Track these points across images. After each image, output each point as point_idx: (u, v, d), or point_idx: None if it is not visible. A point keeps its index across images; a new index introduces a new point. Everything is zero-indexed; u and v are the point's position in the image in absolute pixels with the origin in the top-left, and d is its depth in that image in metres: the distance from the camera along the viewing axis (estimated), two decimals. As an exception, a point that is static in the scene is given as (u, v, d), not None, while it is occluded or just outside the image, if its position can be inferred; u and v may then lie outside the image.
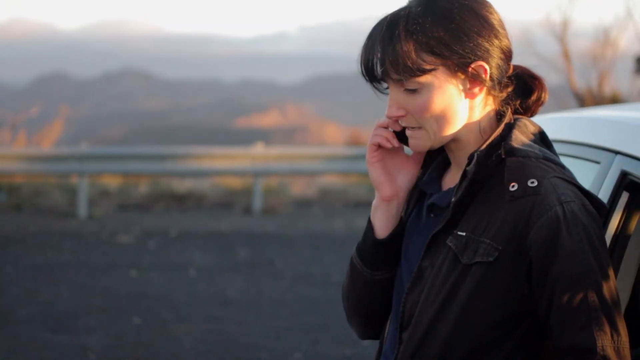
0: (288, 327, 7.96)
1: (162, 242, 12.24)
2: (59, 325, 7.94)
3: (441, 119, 2.04)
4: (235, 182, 17.05)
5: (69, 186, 16.05)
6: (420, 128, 2.07)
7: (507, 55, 2.09)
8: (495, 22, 2.07)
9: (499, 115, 2.11)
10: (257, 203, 15.19)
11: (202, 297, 9.07)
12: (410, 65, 2.01)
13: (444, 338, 2.00)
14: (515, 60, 2.15)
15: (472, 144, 2.09)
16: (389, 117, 2.09)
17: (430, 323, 2.01)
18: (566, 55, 15.99)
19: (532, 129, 2.11)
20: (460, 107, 2.06)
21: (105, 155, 15.53)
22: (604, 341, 1.93)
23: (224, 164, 15.48)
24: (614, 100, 15.40)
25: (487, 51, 2.04)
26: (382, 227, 2.18)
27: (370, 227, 2.19)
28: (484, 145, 2.04)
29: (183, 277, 10.00)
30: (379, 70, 2.05)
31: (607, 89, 16.12)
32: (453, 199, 2.04)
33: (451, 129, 2.06)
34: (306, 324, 8.01)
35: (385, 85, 2.10)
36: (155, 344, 7.44)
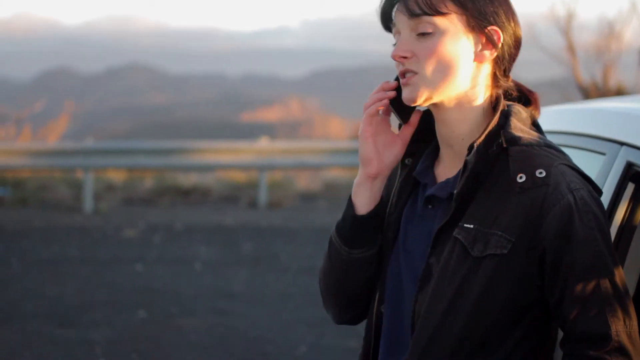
0: (293, 320, 7.97)
1: (168, 236, 12.26)
2: (65, 319, 7.96)
3: (445, 69, 2.04)
4: (240, 176, 17.05)
5: (75, 181, 16.07)
6: (417, 74, 2.06)
7: (516, 41, 2.11)
8: (513, 7, 2.11)
9: (493, 103, 2.10)
10: (262, 197, 15.20)
11: (208, 290, 9.08)
12: (430, 2, 2.03)
13: (456, 332, 1.99)
14: (521, 52, 2.15)
15: (471, 128, 2.08)
16: (394, 57, 2.08)
17: (442, 318, 2.00)
18: (571, 48, 15.95)
19: (525, 114, 2.10)
20: (467, 65, 2.06)
21: (111, 149, 15.55)
22: (618, 327, 1.94)
23: (229, 158, 15.49)
24: (619, 93, 15.36)
25: (504, 25, 2.07)
26: (364, 204, 2.16)
27: (350, 204, 2.18)
28: (483, 136, 2.03)
29: (188, 271, 10.01)
30: (397, 5, 2.07)
31: (612, 82, 16.08)
32: (455, 191, 2.03)
33: (452, 83, 2.05)
34: (311, 317, 8.02)
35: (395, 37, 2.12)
36: (160, 338, 7.45)
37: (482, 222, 2.00)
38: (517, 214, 1.99)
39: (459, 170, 2.07)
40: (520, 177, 2.00)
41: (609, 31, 16.37)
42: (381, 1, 2.12)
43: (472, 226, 2.01)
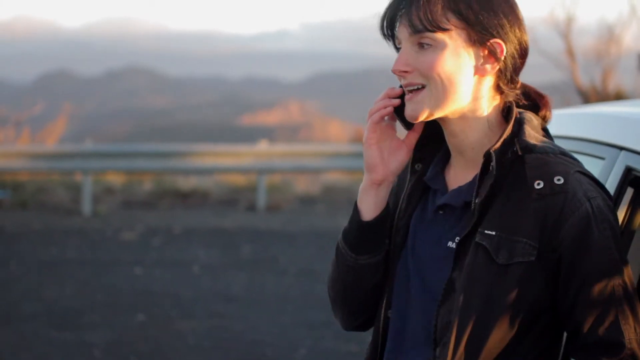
0: (292, 323, 7.96)
1: (167, 239, 12.25)
2: (63, 322, 7.95)
3: (447, 82, 2.03)
4: (239, 180, 17.05)
5: (73, 183, 16.06)
6: (423, 88, 2.05)
7: (523, 50, 2.09)
8: (520, 15, 2.09)
9: (504, 112, 2.10)
10: (261, 200, 15.19)
11: (207, 293, 9.07)
12: (432, 18, 2.02)
13: (484, 341, 1.99)
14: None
15: (480, 138, 2.08)
16: (394, 72, 2.08)
17: (473, 327, 1.99)
18: (570, 52, 15.96)
19: (536, 122, 2.11)
20: (467, 80, 2.05)
21: (110, 152, 15.54)
22: (630, 334, 1.96)
23: (228, 161, 15.49)
24: (618, 97, 15.37)
25: (507, 35, 2.05)
26: (370, 210, 2.16)
27: (356, 210, 2.17)
28: (499, 143, 2.03)
29: (187, 274, 10.01)
30: (400, 18, 2.06)
31: (611, 86, 16.09)
32: (477, 200, 2.02)
33: (453, 99, 2.04)
34: (310, 320, 8.02)
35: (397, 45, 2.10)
36: (159, 341, 7.44)
37: (503, 229, 2.00)
38: (535, 221, 1.99)
39: (474, 178, 2.07)
40: (538, 184, 2.00)
41: (609, 35, 16.38)
42: (385, 12, 2.10)
43: (494, 233, 2.00)
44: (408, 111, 2.08)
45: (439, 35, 2.02)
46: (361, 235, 2.17)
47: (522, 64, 2.11)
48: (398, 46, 2.11)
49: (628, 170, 2.33)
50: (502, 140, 2.03)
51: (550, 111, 2.16)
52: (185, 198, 16.01)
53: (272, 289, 9.31)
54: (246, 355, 7.14)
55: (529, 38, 2.11)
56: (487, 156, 2.02)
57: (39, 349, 7.20)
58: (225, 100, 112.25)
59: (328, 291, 2.29)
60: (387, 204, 2.18)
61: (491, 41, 2.04)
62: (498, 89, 2.09)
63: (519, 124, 2.07)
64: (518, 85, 2.12)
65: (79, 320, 8.03)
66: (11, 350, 7.16)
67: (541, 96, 2.16)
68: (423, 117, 2.06)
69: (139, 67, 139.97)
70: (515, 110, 2.09)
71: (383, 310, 2.18)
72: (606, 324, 1.96)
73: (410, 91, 2.08)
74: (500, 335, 1.99)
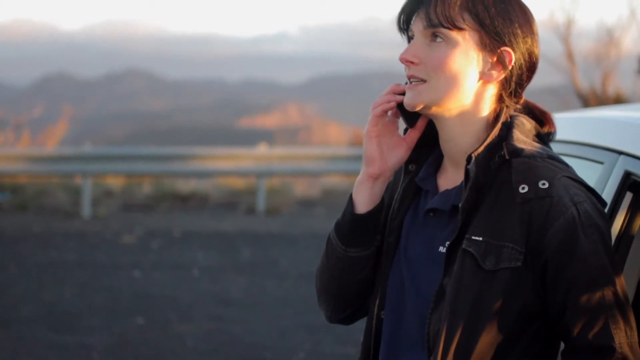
0: (292, 327, 7.96)
1: (166, 242, 12.25)
2: (63, 325, 7.95)
3: (450, 81, 2.03)
4: (238, 183, 17.06)
5: (73, 186, 16.07)
6: (425, 82, 2.05)
7: (531, 64, 2.09)
8: (535, 29, 2.09)
9: (495, 115, 2.09)
10: (261, 203, 15.20)
11: (206, 297, 9.07)
12: (449, 15, 2.02)
13: (473, 348, 1.98)
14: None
15: (473, 143, 2.07)
16: (401, 60, 2.08)
17: (461, 335, 1.98)
18: (570, 55, 15.98)
19: (529, 126, 2.09)
20: (471, 83, 2.05)
21: (109, 155, 15.55)
22: (620, 338, 1.95)
23: (228, 164, 15.50)
24: (618, 100, 15.38)
25: (518, 45, 2.05)
26: (364, 203, 2.17)
27: (350, 202, 2.18)
28: (482, 147, 2.02)
29: (186, 277, 10.01)
30: (418, 11, 2.06)
31: (611, 89, 16.11)
32: (460, 204, 2.02)
33: (453, 98, 2.04)
34: (310, 324, 8.02)
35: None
36: (158, 344, 7.44)
37: (490, 234, 1.99)
38: (520, 225, 1.98)
39: (462, 182, 2.06)
40: (523, 188, 1.99)
41: (608, 38, 16.41)
42: (404, 5, 2.10)
43: (481, 239, 1.99)
44: (407, 99, 2.08)
45: (453, 33, 2.03)
46: (353, 227, 2.18)
47: (529, 78, 2.10)
48: (410, 40, 2.11)
49: (627, 175, 2.33)
50: (485, 144, 2.03)
51: (554, 127, 2.15)
52: (185, 201, 16.01)
53: (272, 293, 9.31)
54: (245, 358, 7.14)
55: (540, 53, 2.10)
56: (468, 160, 2.02)
57: (38, 352, 7.20)
58: (224, 103, 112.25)
59: (315, 281, 2.29)
60: (382, 199, 2.19)
61: (502, 49, 2.04)
62: (500, 99, 2.08)
63: (508, 128, 2.06)
64: (521, 101, 2.12)
65: (78, 323, 8.03)
66: (10, 353, 7.16)
67: (544, 113, 2.15)
68: (420, 107, 2.06)
69: (138, 70, 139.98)
70: (506, 114, 2.08)
71: (376, 310, 2.18)
72: (596, 328, 1.95)
73: (412, 82, 2.08)
74: (489, 341, 1.98)
